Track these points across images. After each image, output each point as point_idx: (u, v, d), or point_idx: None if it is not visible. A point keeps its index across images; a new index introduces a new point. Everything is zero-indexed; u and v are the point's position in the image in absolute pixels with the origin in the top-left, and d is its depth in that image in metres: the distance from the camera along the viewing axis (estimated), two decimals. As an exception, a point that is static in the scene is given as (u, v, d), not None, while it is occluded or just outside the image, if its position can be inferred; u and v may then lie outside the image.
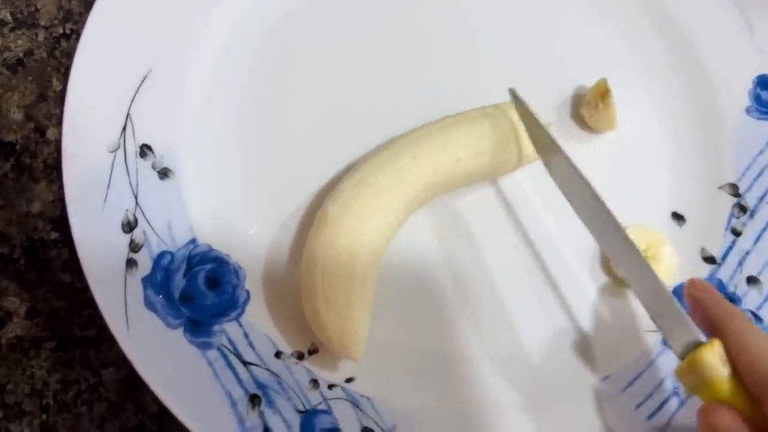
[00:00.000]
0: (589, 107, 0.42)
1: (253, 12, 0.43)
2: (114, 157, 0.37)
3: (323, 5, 0.44)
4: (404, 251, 0.39)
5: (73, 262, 0.39)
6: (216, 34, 0.41)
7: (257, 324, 0.37)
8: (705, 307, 0.32)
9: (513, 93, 0.38)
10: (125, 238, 0.36)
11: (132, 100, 0.38)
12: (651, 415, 0.36)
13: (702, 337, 0.31)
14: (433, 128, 0.38)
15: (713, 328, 0.31)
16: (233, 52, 0.42)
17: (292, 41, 0.43)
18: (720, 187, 0.42)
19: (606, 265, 0.40)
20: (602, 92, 0.41)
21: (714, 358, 0.30)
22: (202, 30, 0.41)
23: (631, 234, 0.34)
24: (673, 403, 0.37)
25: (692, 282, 0.34)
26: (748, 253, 0.40)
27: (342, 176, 0.37)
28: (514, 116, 0.38)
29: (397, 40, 0.44)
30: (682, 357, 0.32)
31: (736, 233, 0.41)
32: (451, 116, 0.39)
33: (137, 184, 0.37)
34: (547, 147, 0.36)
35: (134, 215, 0.37)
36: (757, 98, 0.43)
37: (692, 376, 0.31)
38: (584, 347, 0.38)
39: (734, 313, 0.31)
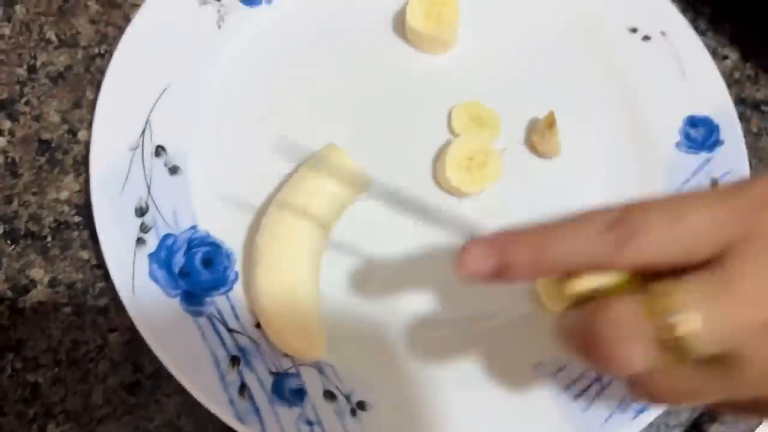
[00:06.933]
0: (539, 135, 0.48)
1: (253, 46, 0.50)
2: (133, 155, 0.44)
3: (325, 41, 0.51)
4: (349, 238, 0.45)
5: (91, 242, 0.45)
6: (224, 61, 0.49)
7: (243, 300, 0.43)
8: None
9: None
10: (137, 221, 0.43)
11: (152, 109, 0.46)
12: (577, 396, 0.42)
13: None
14: (299, 177, 0.43)
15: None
16: (238, 75, 0.49)
17: (287, 65, 0.50)
18: (650, 209, 0.48)
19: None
20: (549, 122, 0.48)
21: None
22: (211, 58, 0.49)
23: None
24: (596, 387, 0.43)
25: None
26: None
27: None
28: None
29: (375, 78, 0.51)
30: None
31: (662, 248, 0.47)
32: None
33: (151, 178, 0.44)
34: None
35: (146, 203, 0.43)
36: (686, 135, 0.50)
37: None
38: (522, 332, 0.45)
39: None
